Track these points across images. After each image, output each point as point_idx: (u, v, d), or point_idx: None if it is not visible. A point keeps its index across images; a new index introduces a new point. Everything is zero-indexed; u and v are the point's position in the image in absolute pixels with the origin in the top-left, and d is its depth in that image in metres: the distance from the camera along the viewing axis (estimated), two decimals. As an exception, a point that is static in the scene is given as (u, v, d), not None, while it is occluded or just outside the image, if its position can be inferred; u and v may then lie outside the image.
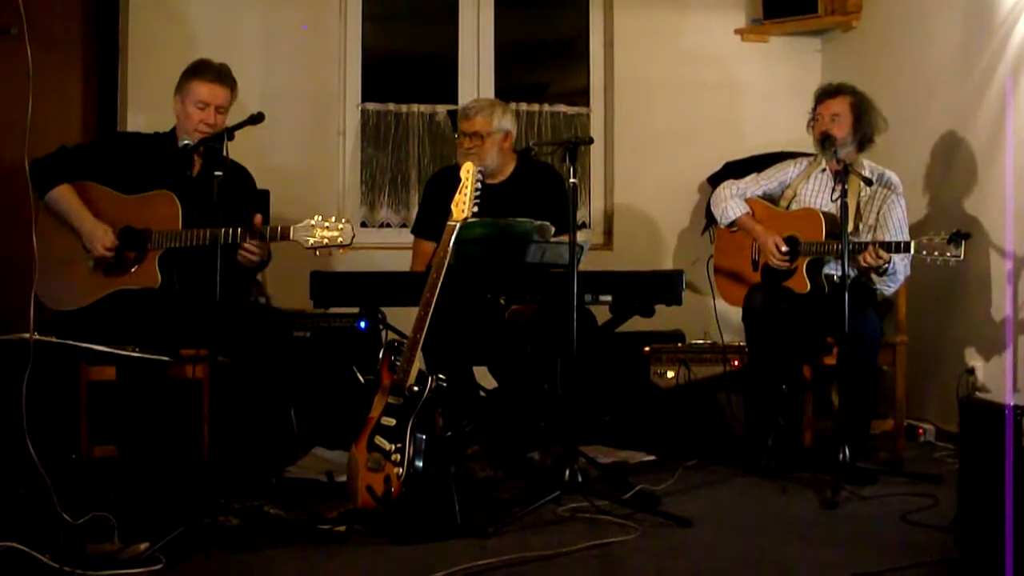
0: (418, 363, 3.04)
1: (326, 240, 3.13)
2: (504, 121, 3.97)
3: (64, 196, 3.41)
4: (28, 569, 2.39)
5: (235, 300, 3.37)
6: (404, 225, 5.00)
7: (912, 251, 3.55)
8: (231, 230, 3.22)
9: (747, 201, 4.05)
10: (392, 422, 2.98)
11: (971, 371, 4.16)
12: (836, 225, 3.68)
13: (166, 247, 3.35)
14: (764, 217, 4.02)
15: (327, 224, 3.14)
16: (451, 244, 3.04)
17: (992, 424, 2.36)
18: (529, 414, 3.80)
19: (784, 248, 3.85)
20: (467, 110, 4.02)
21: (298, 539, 2.76)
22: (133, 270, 3.39)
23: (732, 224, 4.06)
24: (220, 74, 3.51)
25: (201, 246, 3.26)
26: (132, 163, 3.52)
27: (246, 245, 3.28)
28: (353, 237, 3.16)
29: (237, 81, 3.57)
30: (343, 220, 3.16)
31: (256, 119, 3.04)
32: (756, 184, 4.09)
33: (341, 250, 3.16)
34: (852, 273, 3.65)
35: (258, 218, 3.27)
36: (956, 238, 3.43)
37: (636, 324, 3.68)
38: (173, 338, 3.33)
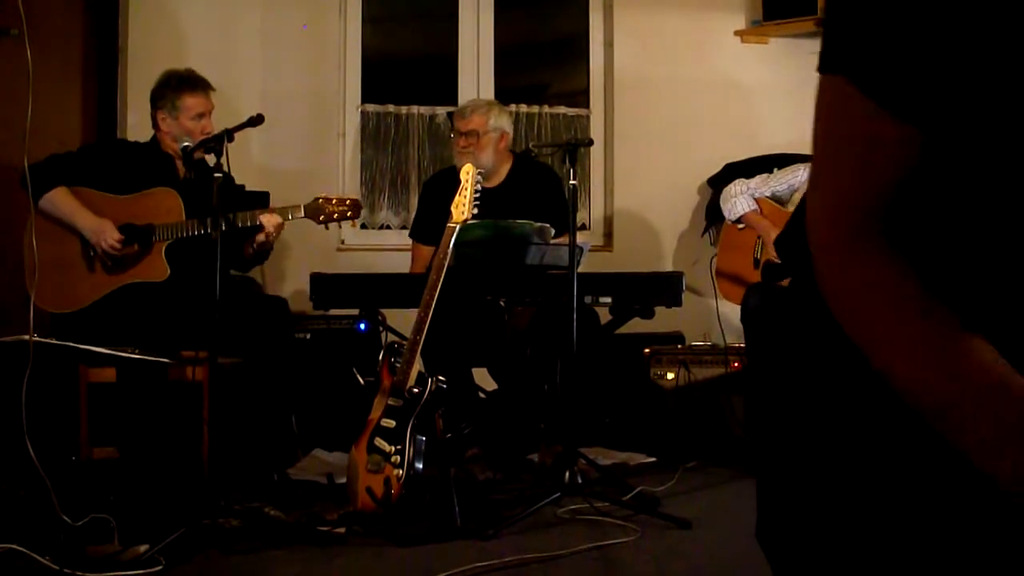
0: (418, 365, 3.04)
1: (336, 215, 3.30)
2: (500, 121, 3.97)
3: (61, 198, 3.41)
4: (28, 571, 2.39)
5: (240, 297, 3.39)
6: (404, 227, 4.99)
7: None
8: (242, 214, 3.33)
9: (755, 200, 4.09)
10: (392, 424, 2.98)
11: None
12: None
13: (173, 237, 3.37)
14: (771, 216, 4.03)
15: (334, 200, 3.31)
16: (451, 246, 3.04)
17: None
18: (529, 416, 3.80)
19: None
20: (463, 109, 4.03)
21: (298, 541, 2.75)
22: (140, 264, 3.40)
23: (739, 220, 4.09)
24: (204, 83, 3.59)
25: (207, 236, 3.27)
26: (124, 168, 3.53)
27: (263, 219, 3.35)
28: (360, 209, 3.37)
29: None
30: (349, 196, 3.37)
31: (255, 121, 3.05)
32: (765, 184, 4.13)
33: (352, 223, 3.34)
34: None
35: (273, 218, 3.37)
36: None
37: (636, 326, 3.67)
38: (173, 339, 3.33)
